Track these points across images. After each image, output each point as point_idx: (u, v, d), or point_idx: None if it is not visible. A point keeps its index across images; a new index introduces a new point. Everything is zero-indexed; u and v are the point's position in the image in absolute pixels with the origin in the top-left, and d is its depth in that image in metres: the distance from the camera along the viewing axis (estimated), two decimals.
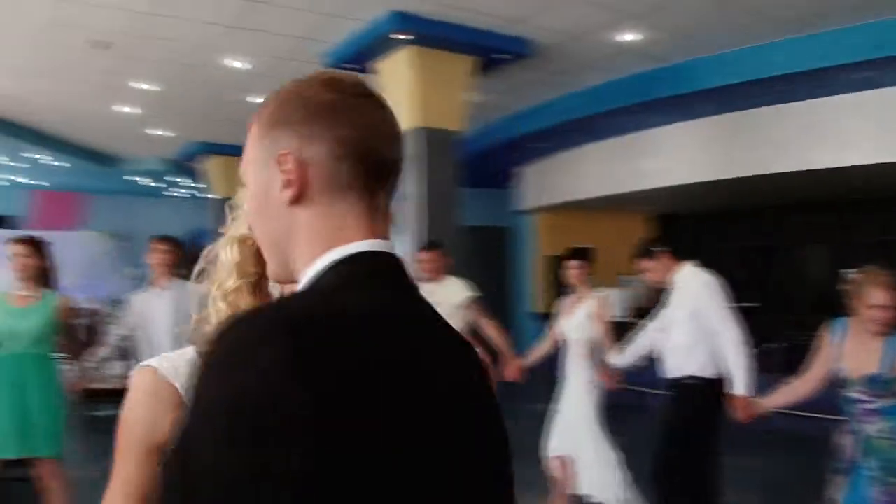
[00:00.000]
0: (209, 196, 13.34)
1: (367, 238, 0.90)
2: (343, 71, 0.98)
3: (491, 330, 5.34)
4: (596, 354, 4.97)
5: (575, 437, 4.92)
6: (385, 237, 0.93)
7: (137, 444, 1.11)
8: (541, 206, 11.99)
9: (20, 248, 4.20)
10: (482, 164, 11.42)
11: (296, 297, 0.88)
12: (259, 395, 0.71)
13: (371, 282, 0.87)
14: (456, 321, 5.22)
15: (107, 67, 7.90)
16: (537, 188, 11.91)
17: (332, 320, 0.79)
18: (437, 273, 5.33)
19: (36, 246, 4.26)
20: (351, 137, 0.89)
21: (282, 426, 0.70)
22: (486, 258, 13.23)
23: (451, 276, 5.44)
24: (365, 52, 6.97)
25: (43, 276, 4.27)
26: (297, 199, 0.90)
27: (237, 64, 7.82)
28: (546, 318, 5.10)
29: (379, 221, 0.93)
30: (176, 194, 17.20)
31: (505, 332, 5.39)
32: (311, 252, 0.90)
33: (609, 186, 10.08)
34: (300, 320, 0.77)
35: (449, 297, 5.25)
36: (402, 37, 6.58)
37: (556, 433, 5.06)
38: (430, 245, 5.48)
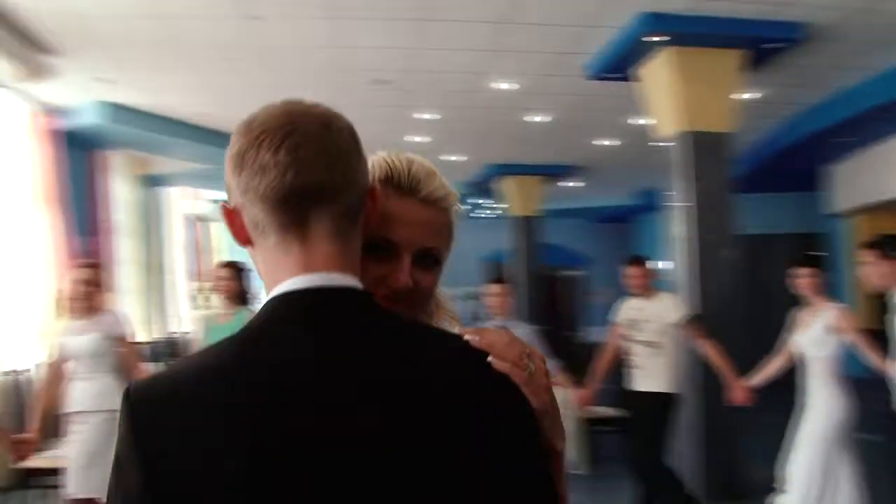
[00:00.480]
0: (508, 215, 13.75)
1: (298, 274, 0.90)
2: (272, 105, 0.95)
3: (709, 350, 5.04)
4: (838, 372, 4.36)
5: (817, 465, 4.34)
6: (323, 269, 0.91)
7: None
8: (855, 208, 10.65)
9: (224, 272, 4.85)
10: (781, 166, 10.50)
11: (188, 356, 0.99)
12: (116, 465, 0.83)
13: (265, 326, 0.89)
14: (666, 339, 5.04)
15: (390, 101, 8.57)
16: (849, 188, 10.60)
17: (175, 384, 0.86)
18: (645, 288, 5.17)
19: (237, 270, 4.88)
20: (250, 183, 0.90)
21: (127, 499, 0.81)
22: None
23: (663, 293, 5.26)
24: (623, 59, 6.76)
25: (240, 296, 4.86)
26: (245, 244, 0.95)
27: (505, 85, 8.03)
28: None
29: (316, 253, 0.91)
30: (481, 215, 18.05)
31: (725, 353, 4.99)
32: (268, 292, 0.94)
33: None
34: (145, 387, 0.86)
35: (660, 313, 5.06)
36: (656, 39, 6.28)
37: (795, 463, 4.51)
38: (636, 260, 5.33)
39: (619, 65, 6.89)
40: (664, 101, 6.67)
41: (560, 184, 13.48)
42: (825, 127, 8.78)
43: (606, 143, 10.76)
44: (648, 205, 14.65)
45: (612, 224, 17.82)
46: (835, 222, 11.59)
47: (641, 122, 9.15)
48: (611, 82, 7.42)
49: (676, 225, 6.59)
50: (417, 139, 10.39)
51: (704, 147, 6.50)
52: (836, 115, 8.51)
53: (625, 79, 7.12)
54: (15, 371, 6.65)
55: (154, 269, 11.17)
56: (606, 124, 9.71)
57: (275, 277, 0.91)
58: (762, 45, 6.41)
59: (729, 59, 6.49)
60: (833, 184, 11.03)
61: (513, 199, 13.29)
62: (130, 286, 10.13)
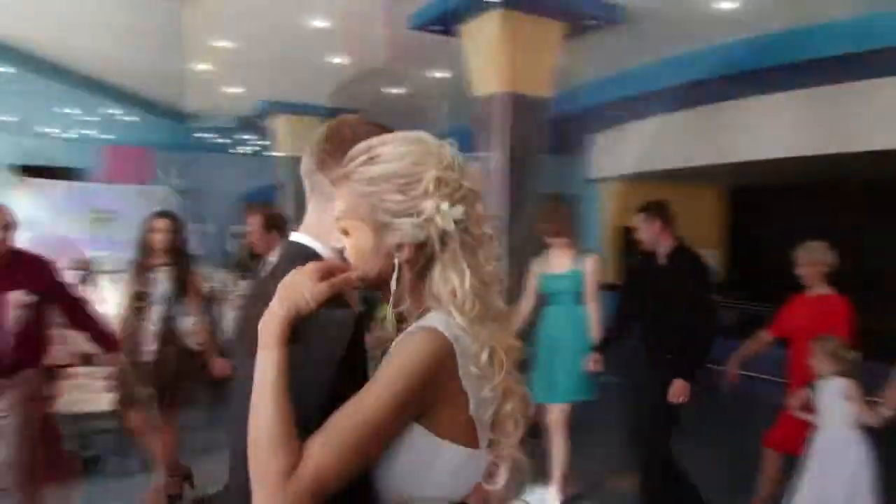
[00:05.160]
0: (274, 154, 13.20)
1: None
2: None
3: None
4: None
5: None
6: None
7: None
8: (611, 176, 11.77)
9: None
10: (554, 130, 11.17)
11: None
12: None
13: None
14: None
15: (188, 25, 7.85)
16: (610, 156, 11.67)
17: None
18: None
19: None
20: None
21: None
22: None
23: None
24: (451, 13, 6.77)
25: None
26: None
27: (317, 23, 7.67)
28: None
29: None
30: (242, 151, 17.33)
31: None
32: None
33: (687, 158, 9.80)
34: None
35: None
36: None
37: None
38: None
39: (445, 18, 6.89)
40: (486, 60, 6.79)
41: None
42: (603, 100, 9.50)
43: (395, 91, 10.74)
44: None
45: None
46: (592, 186, 12.65)
47: (438, 75, 9.32)
48: (427, 35, 7.40)
49: (488, 182, 6.79)
50: (202, 66, 9.63)
51: (523, 109, 6.73)
52: (614, 92, 9.25)
53: (447, 33, 7.15)
54: None
55: None
56: (405, 74, 9.69)
57: None
58: (585, 20, 6.76)
59: (554, 29, 6.76)
60: (595, 151, 12.07)
61: (284, 137, 12.62)
62: None
